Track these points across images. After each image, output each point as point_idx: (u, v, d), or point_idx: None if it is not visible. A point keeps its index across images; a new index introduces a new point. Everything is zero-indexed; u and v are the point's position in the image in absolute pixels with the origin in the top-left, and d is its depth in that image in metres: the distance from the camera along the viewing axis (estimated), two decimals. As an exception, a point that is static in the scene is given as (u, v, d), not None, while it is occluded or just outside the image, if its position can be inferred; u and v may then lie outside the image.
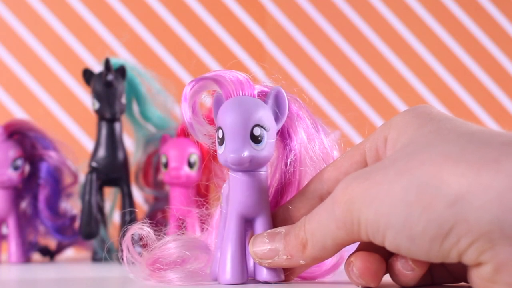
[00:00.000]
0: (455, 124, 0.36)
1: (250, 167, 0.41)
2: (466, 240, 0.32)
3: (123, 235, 0.44)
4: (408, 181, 0.34)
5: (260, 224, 0.42)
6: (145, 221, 0.44)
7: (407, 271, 0.38)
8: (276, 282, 0.41)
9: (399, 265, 0.38)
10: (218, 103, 0.42)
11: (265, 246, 0.40)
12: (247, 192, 0.41)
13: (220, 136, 0.40)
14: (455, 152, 0.33)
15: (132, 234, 0.44)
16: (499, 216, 0.31)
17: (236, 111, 0.40)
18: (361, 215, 0.35)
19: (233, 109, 0.40)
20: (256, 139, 0.40)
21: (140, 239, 0.44)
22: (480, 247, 0.32)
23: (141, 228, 0.43)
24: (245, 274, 0.41)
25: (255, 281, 0.42)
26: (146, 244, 0.44)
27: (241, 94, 0.41)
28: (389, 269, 0.39)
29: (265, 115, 0.41)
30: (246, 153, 0.40)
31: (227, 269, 0.41)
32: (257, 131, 0.40)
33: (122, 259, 0.43)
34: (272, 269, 0.41)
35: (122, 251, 0.44)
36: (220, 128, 0.41)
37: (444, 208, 0.32)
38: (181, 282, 0.42)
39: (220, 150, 0.41)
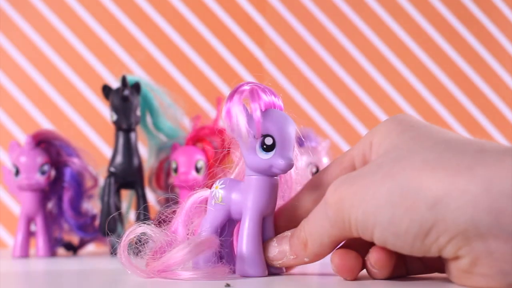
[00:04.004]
0: (432, 131, 0.36)
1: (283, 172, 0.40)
2: (444, 238, 0.32)
3: (127, 236, 0.42)
4: (392, 184, 0.34)
5: (269, 223, 0.42)
6: (145, 222, 0.42)
7: (374, 270, 0.38)
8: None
9: (368, 265, 0.38)
10: (247, 113, 0.40)
11: (275, 249, 0.41)
12: (272, 195, 0.41)
13: (269, 143, 0.39)
14: (433, 159, 0.33)
15: (132, 239, 0.42)
16: (474, 216, 0.31)
17: (289, 123, 0.40)
18: (351, 215, 0.35)
19: (285, 121, 0.40)
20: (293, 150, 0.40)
21: (138, 242, 0.42)
22: (458, 243, 0.32)
23: (147, 229, 0.42)
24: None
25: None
26: (151, 247, 0.42)
27: (274, 106, 0.41)
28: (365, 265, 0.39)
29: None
30: (293, 161, 0.40)
31: (260, 262, 0.40)
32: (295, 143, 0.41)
33: (123, 263, 0.42)
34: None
35: (129, 249, 0.42)
36: (269, 136, 0.39)
37: (424, 210, 0.32)
38: (196, 276, 0.40)
39: (266, 156, 0.39)
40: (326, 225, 0.37)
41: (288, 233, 0.41)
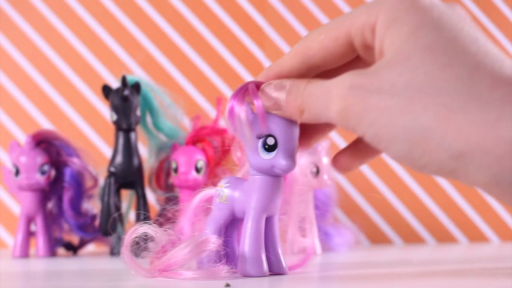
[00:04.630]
0: (454, 44, 0.32)
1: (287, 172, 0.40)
2: (465, 181, 0.32)
3: (130, 235, 0.42)
4: (411, 122, 0.31)
5: (273, 222, 0.41)
6: (148, 221, 0.42)
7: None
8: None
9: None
10: (251, 113, 0.40)
11: (271, 92, 0.38)
12: (276, 194, 0.41)
13: (271, 143, 0.39)
14: (458, 105, 0.31)
15: (136, 237, 0.42)
16: (498, 175, 0.30)
17: (291, 123, 0.39)
18: (357, 129, 0.33)
19: (288, 121, 0.39)
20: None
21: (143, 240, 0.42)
22: (479, 187, 0.32)
23: (150, 228, 0.41)
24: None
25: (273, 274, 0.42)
26: (155, 246, 0.42)
27: None
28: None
29: None
30: (296, 161, 0.39)
31: (262, 262, 0.40)
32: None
33: (126, 262, 0.42)
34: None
35: (132, 248, 0.42)
36: (271, 136, 0.39)
37: (446, 158, 0.31)
38: (197, 276, 0.39)
39: (268, 156, 0.39)
40: (328, 116, 0.35)
41: (287, 83, 0.38)
